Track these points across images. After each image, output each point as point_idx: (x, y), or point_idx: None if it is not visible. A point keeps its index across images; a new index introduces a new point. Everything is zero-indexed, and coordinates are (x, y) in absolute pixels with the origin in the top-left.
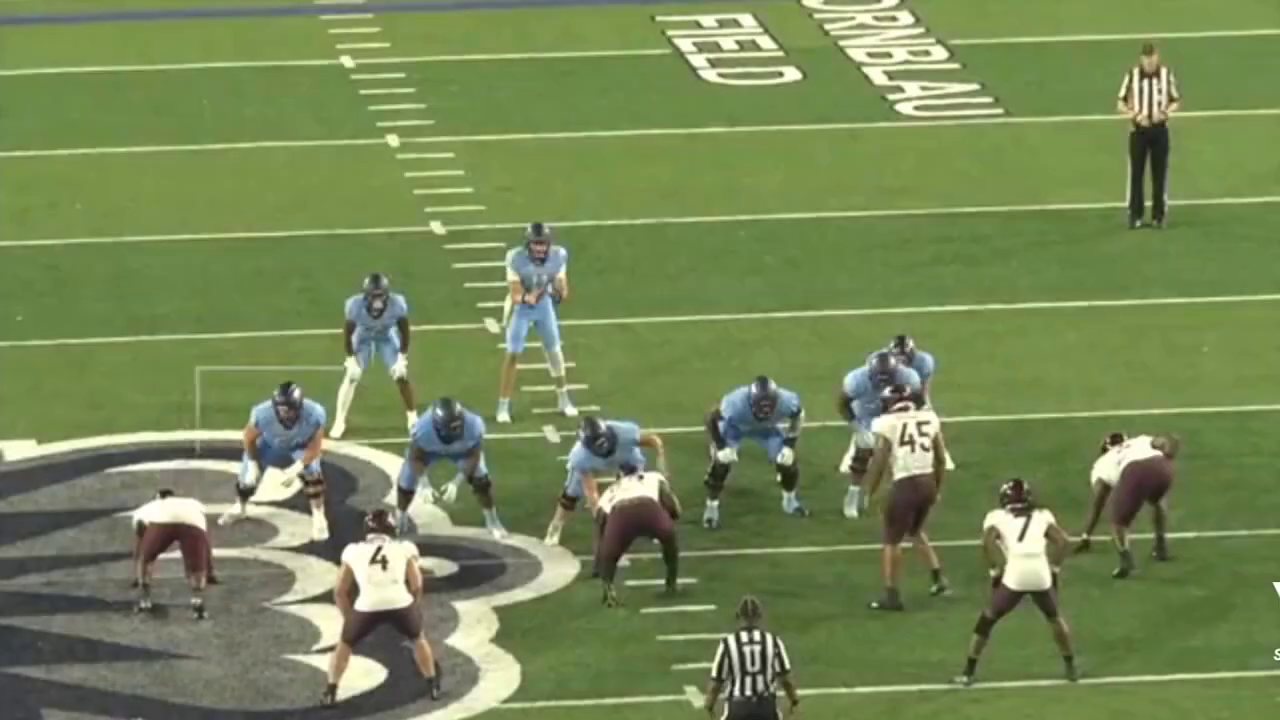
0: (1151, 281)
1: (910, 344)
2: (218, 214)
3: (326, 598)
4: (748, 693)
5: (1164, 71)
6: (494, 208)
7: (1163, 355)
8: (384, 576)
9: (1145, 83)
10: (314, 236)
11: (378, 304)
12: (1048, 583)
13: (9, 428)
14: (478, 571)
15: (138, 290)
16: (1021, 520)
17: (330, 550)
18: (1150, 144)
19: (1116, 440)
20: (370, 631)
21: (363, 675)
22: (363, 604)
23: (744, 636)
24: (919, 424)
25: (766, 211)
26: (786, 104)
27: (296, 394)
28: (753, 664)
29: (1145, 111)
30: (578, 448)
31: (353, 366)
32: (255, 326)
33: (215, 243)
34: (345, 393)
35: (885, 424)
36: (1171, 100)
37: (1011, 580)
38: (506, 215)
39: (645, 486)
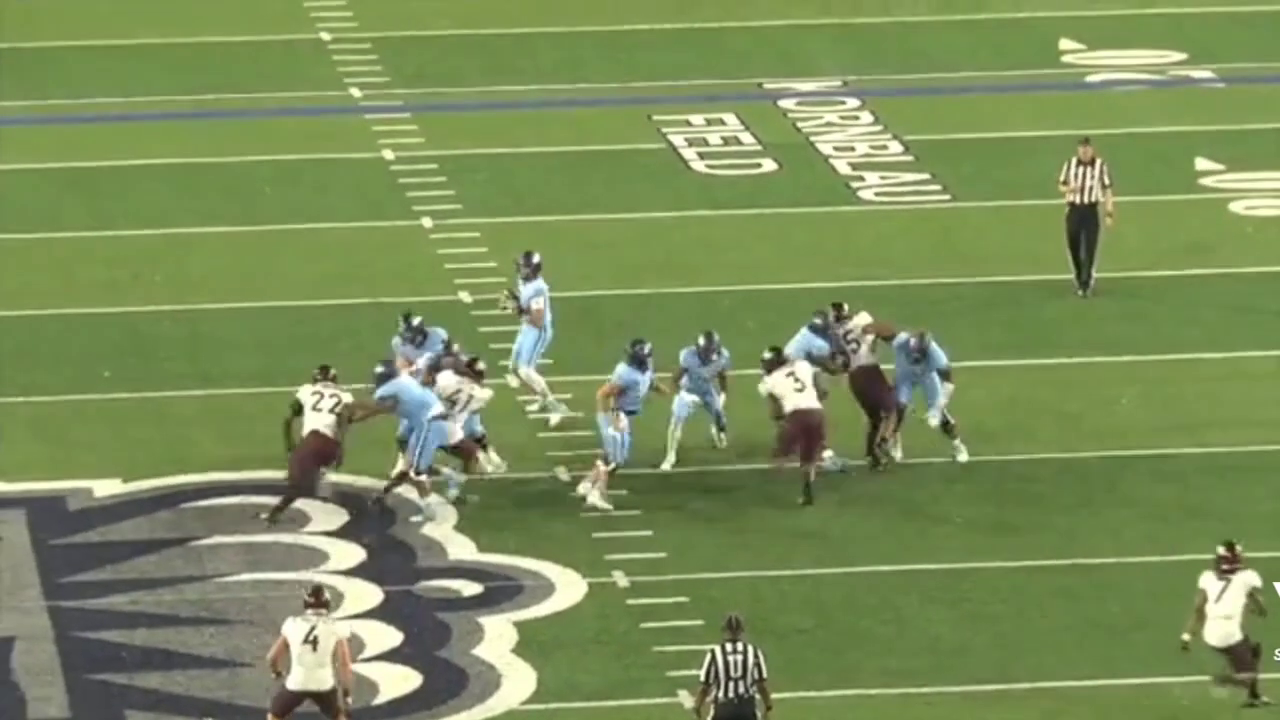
0: (1079, 343)
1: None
2: (277, 285)
3: (372, 614)
4: (730, 696)
5: (1098, 161)
6: (514, 280)
7: (1088, 406)
8: (313, 659)
9: (1081, 169)
10: (359, 305)
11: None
12: (1237, 637)
13: (99, 468)
14: (500, 591)
15: (208, 350)
16: (1223, 583)
17: (375, 572)
18: (1083, 222)
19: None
20: (296, 707)
21: (402, 680)
22: (291, 682)
23: (728, 647)
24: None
25: (748, 283)
26: (765, 191)
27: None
28: (735, 671)
29: (1080, 194)
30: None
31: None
32: (310, 381)
33: (275, 310)
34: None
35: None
36: (1105, 186)
37: (1212, 638)
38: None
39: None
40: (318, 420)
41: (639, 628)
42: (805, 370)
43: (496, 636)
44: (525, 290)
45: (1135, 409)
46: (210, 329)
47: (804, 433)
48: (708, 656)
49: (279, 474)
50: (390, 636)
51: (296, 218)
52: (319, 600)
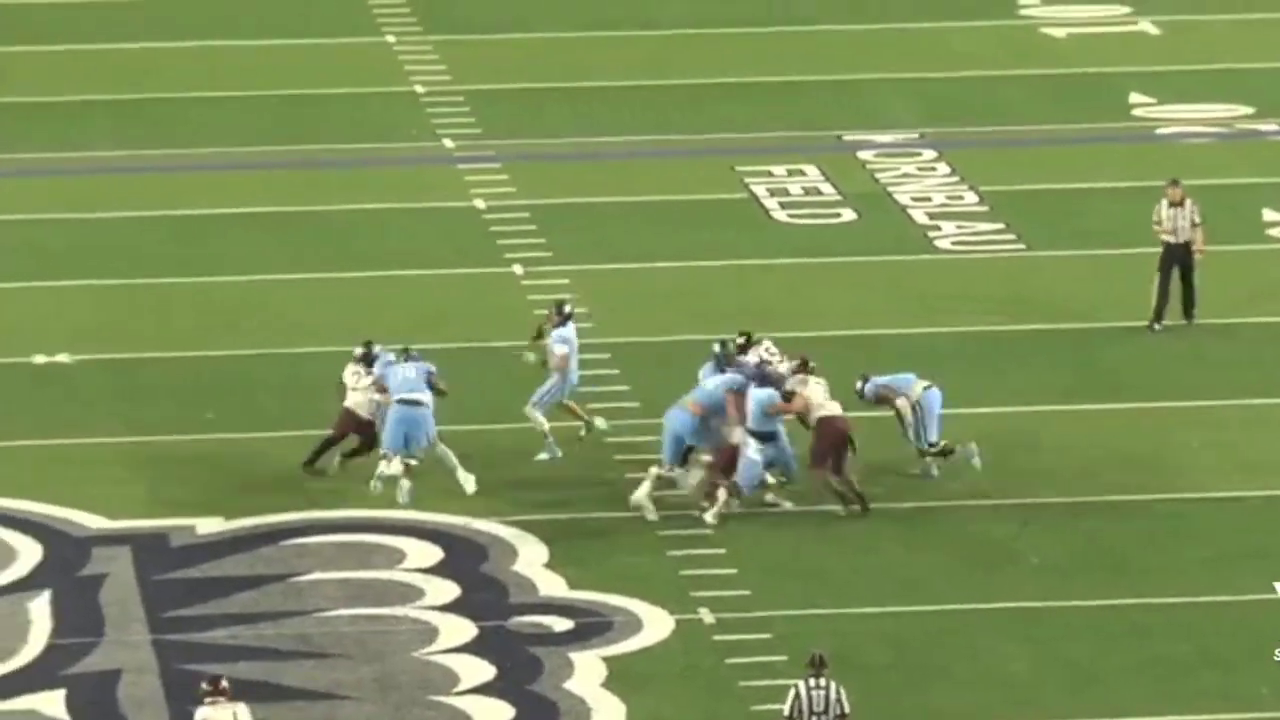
0: (1148, 387)
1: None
2: (372, 329)
3: (466, 649)
4: None
5: (1188, 201)
6: (602, 325)
7: (1157, 449)
8: None
9: (1173, 210)
10: (452, 349)
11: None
12: None
13: (201, 507)
14: (590, 628)
15: (306, 392)
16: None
17: (469, 608)
18: (1177, 260)
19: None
20: None
21: (495, 714)
22: None
23: (812, 683)
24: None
25: (829, 329)
26: (844, 239)
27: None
28: (819, 706)
29: (1175, 234)
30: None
31: None
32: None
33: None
34: None
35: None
36: (1195, 225)
37: None
38: (613, 331)
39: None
40: (354, 399)
41: (724, 663)
42: (823, 383)
43: (586, 671)
44: (553, 337)
45: (1203, 452)
46: (308, 371)
47: (833, 445)
48: (791, 692)
49: (378, 511)
50: (484, 671)
51: (391, 264)
52: (217, 689)
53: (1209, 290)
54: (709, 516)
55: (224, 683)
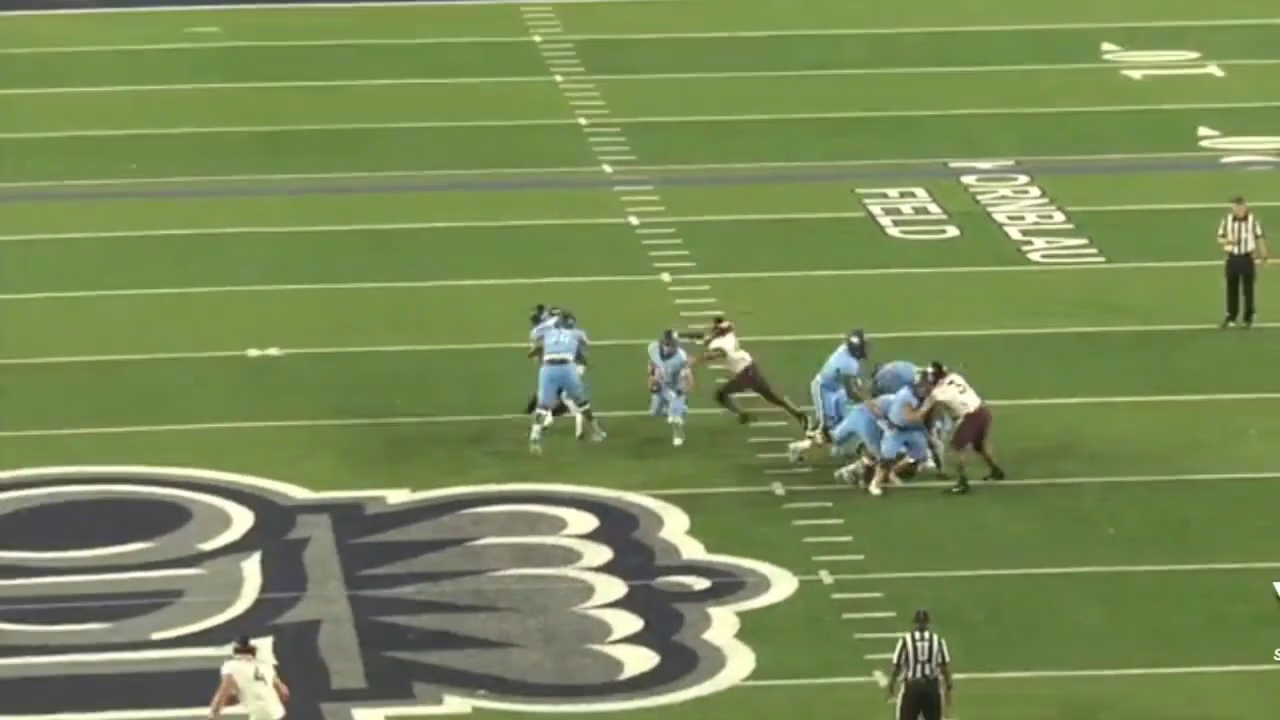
0: (1213, 383)
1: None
2: None
3: (618, 604)
4: (918, 676)
5: (1250, 216)
6: (739, 326)
7: (1221, 436)
8: (265, 690)
9: (1237, 224)
10: (609, 344)
11: (667, 348)
12: None
13: (390, 480)
14: (725, 586)
15: (485, 383)
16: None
17: (621, 569)
18: (1240, 269)
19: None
20: None
21: (643, 660)
22: (255, 716)
23: (917, 635)
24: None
25: (934, 330)
26: (949, 253)
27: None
28: (923, 655)
29: (1237, 245)
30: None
31: None
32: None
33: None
34: None
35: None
36: (1257, 237)
37: None
38: (749, 331)
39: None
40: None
41: (841, 618)
42: (960, 378)
43: (722, 624)
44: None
45: (1261, 439)
46: (486, 364)
47: (977, 429)
48: (899, 643)
49: (544, 485)
50: (633, 623)
51: (559, 272)
52: (245, 647)
53: (1270, 297)
54: (873, 487)
55: (252, 642)
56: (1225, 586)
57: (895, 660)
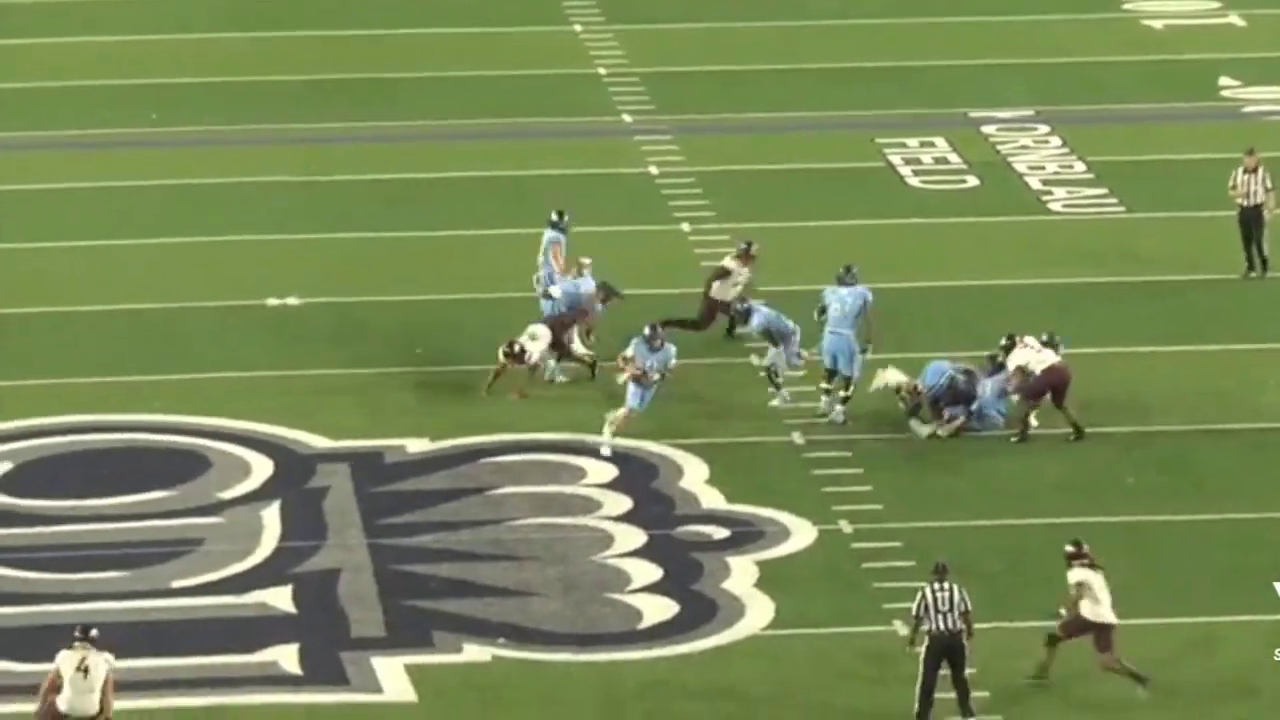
0: (1232, 332)
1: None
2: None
3: (637, 553)
4: (940, 628)
5: (1260, 169)
6: (757, 275)
7: (1239, 386)
8: (84, 684)
9: (1247, 176)
10: (630, 295)
11: (656, 343)
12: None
13: (412, 429)
14: (744, 536)
15: (504, 332)
16: (1100, 574)
17: (641, 519)
18: (1250, 219)
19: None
20: None
21: (662, 609)
22: (62, 704)
23: (936, 586)
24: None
25: (954, 279)
26: (969, 203)
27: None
28: (943, 606)
29: (1247, 197)
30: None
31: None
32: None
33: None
34: None
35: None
36: (1267, 190)
37: (1101, 615)
38: (766, 281)
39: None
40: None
41: (860, 568)
42: (1033, 339)
43: (741, 573)
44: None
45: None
46: (505, 314)
47: (1053, 384)
48: (919, 595)
49: (562, 435)
50: (653, 572)
51: (577, 222)
52: (86, 636)
53: None
54: (942, 431)
55: (94, 633)
56: (1245, 537)
57: (915, 612)
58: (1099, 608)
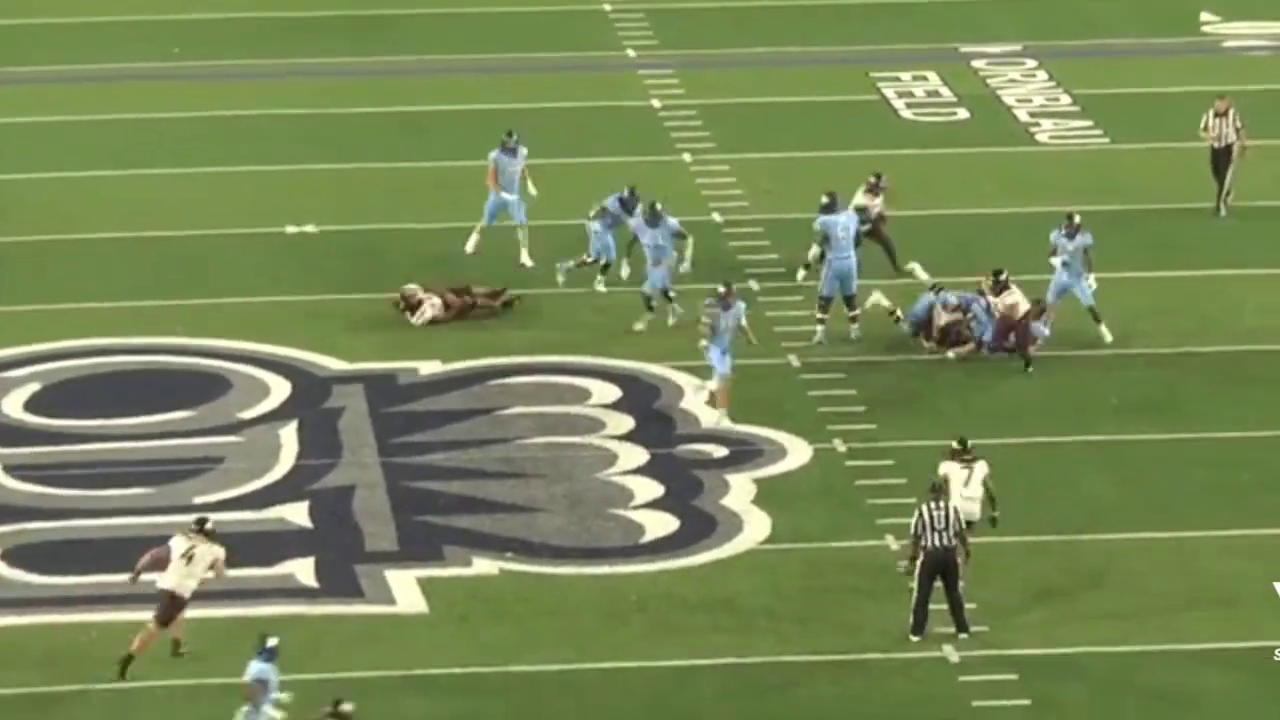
0: (1213, 258)
1: None
2: (562, 209)
3: (640, 471)
4: (936, 545)
5: (1231, 111)
6: (756, 204)
7: (1219, 310)
8: (185, 570)
9: (1218, 120)
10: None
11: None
12: (976, 515)
13: (422, 352)
14: (742, 454)
15: (509, 260)
16: (967, 471)
17: (644, 438)
18: (1220, 161)
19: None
20: (169, 609)
21: (663, 524)
22: (163, 583)
23: (933, 505)
24: None
25: (946, 208)
26: (960, 135)
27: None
28: (940, 524)
29: (1219, 140)
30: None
31: None
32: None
33: (564, 228)
34: None
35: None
36: (1237, 131)
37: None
38: (765, 209)
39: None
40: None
41: (854, 485)
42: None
43: (739, 490)
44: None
45: (1259, 314)
46: (514, 243)
47: (1012, 327)
48: (916, 513)
49: (568, 357)
50: (654, 489)
51: (582, 153)
52: (201, 529)
53: (1267, 178)
54: (950, 354)
55: (209, 525)
56: (1225, 455)
57: (913, 529)
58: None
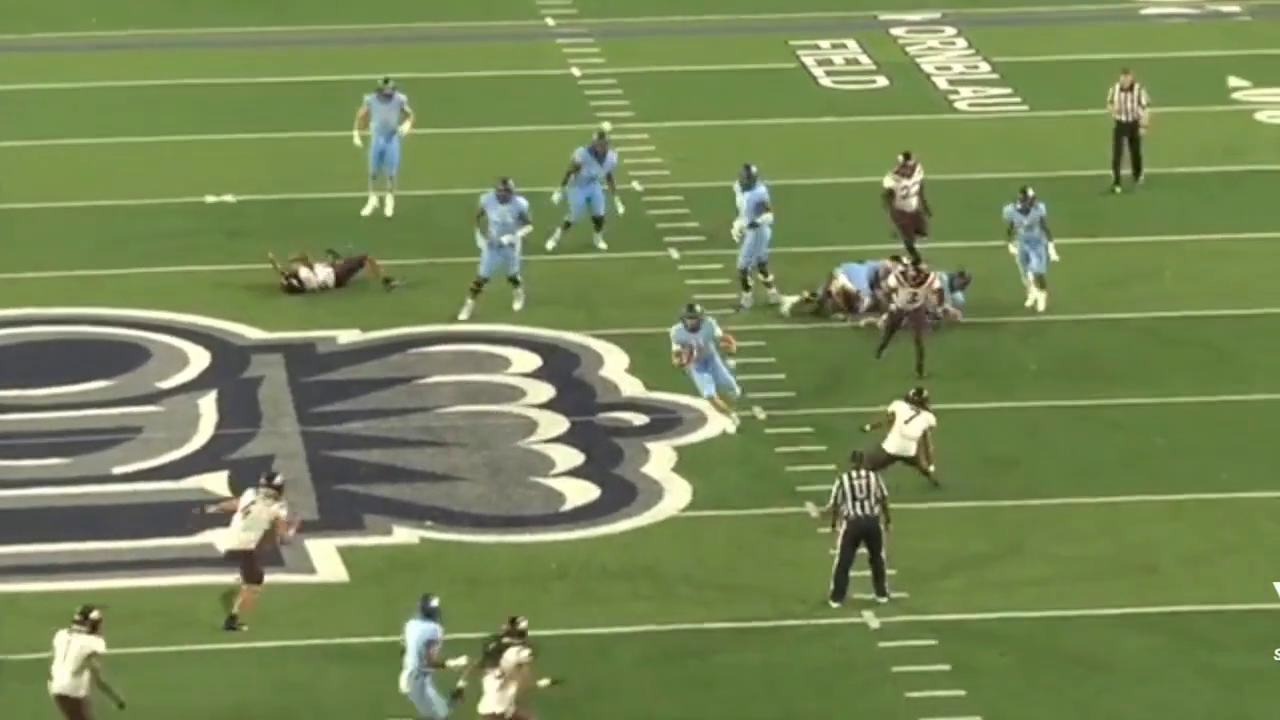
0: (1131, 226)
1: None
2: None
3: (560, 439)
4: (859, 514)
5: (1136, 86)
6: (676, 172)
7: (1135, 277)
8: (242, 524)
9: (1123, 94)
10: (549, 192)
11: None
12: (911, 452)
13: (344, 321)
14: (663, 422)
15: (431, 228)
16: (914, 412)
17: (563, 406)
18: (1126, 134)
19: None
20: (245, 565)
21: (584, 492)
22: (224, 542)
23: (854, 474)
24: None
25: (865, 175)
26: (879, 102)
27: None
28: (860, 492)
29: (1124, 114)
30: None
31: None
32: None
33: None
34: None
35: None
36: (1142, 106)
37: (890, 446)
38: (685, 177)
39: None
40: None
41: (774, 452)
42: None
43: (660, 458)
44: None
45: (1175, 280)
46: (430, 212)
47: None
48: (837, 482)
49: (487, 326)
50: (575, 457)
51: (507, 122)
52: (270, 484)
53: (1182, 145)
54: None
55: (278, 480)
56: (1143, 420)
57: (834, 498)
58: (891, 439)
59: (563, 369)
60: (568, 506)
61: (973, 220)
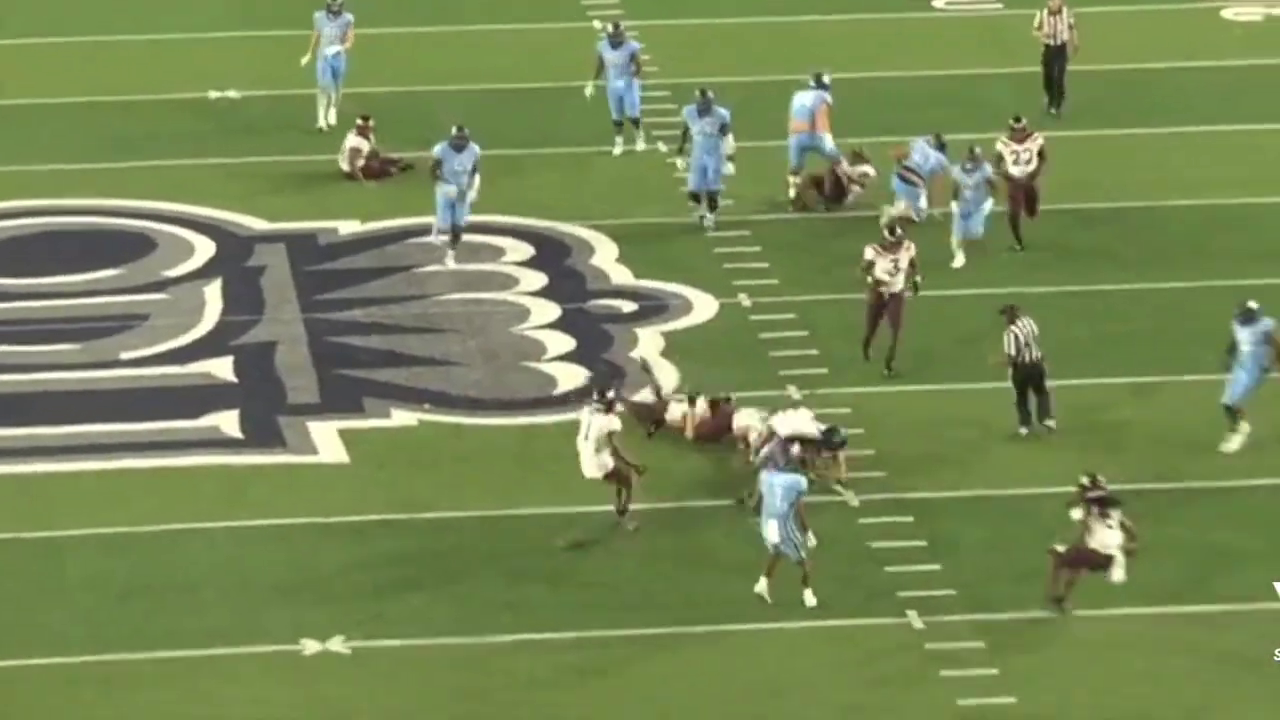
0: (1100, 119)
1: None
2: (483, 72)
3: (552, 325)
4: (1028, 359)
5: (1064, 10)
6: (665, 69)
7: (1109, 171)
8: (583, 446)
9: (1052, 19)
10: (546, 88)
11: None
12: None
13: (344, 212)
14: (650, 309)
15: (432, 122)
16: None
17: (556, 294)
18: (1054, 59)
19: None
20: (620, 481)
21: (575, 376)
22: (587, 473)
23: (1018, 326)
24: None
25: (844, 73)
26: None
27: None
28: (1027, 340)
29: (1053, 38)
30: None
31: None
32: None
33: (470, 92)
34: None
35: None
36: (1070, 28)
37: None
38: (674, 74)
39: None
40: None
41: (758, 338)
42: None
43: (648, 343)
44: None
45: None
46: (419, 107)
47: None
48: (1009, 337)
49: (483, 216)
50: (566, 343)
51: (489, 20)
52: (601, 398)
53: (1148, 42)
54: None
55: (610, 395)
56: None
57: (1009, 351)
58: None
59: (554, 258)
60: (559, 390)
61: (950, 114)
